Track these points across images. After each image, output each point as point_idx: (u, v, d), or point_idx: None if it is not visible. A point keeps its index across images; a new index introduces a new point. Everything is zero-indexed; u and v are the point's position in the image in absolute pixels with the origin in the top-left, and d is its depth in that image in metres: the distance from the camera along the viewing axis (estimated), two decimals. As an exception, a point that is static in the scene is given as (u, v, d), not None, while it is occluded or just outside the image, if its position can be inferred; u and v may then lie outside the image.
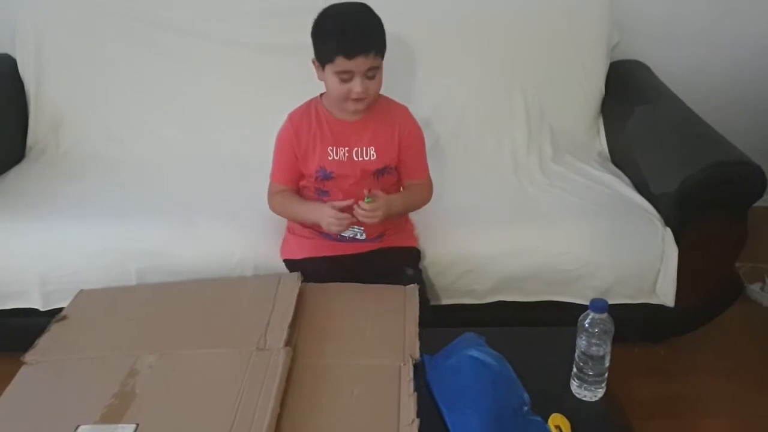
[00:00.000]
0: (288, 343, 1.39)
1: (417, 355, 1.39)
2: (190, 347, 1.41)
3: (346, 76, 1.57)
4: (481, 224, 1.93)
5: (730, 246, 1.94)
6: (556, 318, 1.51)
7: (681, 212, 1.88)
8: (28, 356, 1.40)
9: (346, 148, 1.70)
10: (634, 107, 2.24)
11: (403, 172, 1.79)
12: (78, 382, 1.33)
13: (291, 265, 1.79)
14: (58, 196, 2.01)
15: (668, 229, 1.90)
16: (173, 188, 2.06)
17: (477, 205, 1.99)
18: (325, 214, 1.64)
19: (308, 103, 1.76)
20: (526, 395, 1.27)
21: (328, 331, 1.49)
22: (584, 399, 1.32)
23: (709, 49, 2.57)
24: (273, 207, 1.79)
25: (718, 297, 2.01)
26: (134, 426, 1.19)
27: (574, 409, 1.28)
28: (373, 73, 1.60)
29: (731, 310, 2.02)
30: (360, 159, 1.71)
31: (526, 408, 1.25)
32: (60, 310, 1.59)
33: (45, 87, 2.29)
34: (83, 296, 1.64)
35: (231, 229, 1.88)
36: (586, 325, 1.27)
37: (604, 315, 1.26)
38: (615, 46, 2.42)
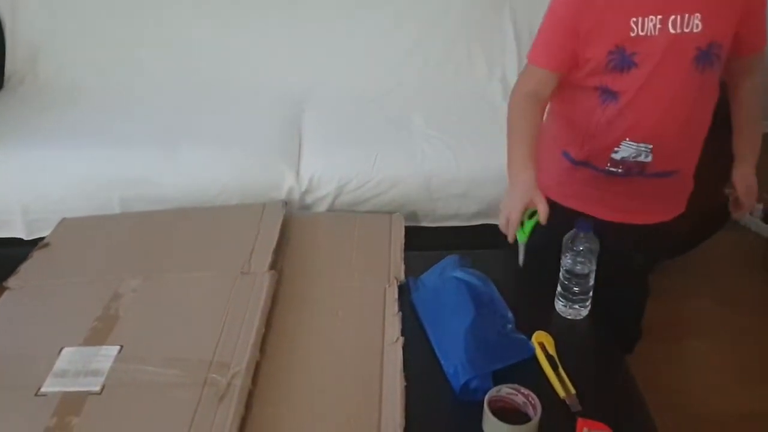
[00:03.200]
0: (273, 267, 1.38)
1: (402, 277, 1.40)
2: (173, 271, 1.40)
3: None
4: (468, 149, 1.90)
5: (719, 169, 1.91)
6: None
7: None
8: (11, 281, 1.39)
9: (659, 17, 1.17)
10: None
11: (736, 45, 1.23)
12: (61, 306, 1.33)
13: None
14: (40, 125, 1.98)
15: (658, 152, 1.87)
16: (155, 116, 2.03)
17: (464, 129, 1.97)
18: (522, 199, 1.22)
19: None
20: (510, 314, 1.27)
21: (313, 256, 1.48)
22: (569, 317, 1.32)
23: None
24: (511, 107, 1.34)
25: (707, 221, 2.00)
26: (118, 347, 1.19)
27: (559, 327, 1.28)
28: None
29: (719, 234, 2.03)
30: (678, 31, 1.17)
31: (510, 326, 1.25)
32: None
33: (20, 14, 2.22)
34: (66, 224, 1.62)
35: (214, 157, 1.86)
36: (571, 244, 1.26)
37: (590, 233, 1.25)
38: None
